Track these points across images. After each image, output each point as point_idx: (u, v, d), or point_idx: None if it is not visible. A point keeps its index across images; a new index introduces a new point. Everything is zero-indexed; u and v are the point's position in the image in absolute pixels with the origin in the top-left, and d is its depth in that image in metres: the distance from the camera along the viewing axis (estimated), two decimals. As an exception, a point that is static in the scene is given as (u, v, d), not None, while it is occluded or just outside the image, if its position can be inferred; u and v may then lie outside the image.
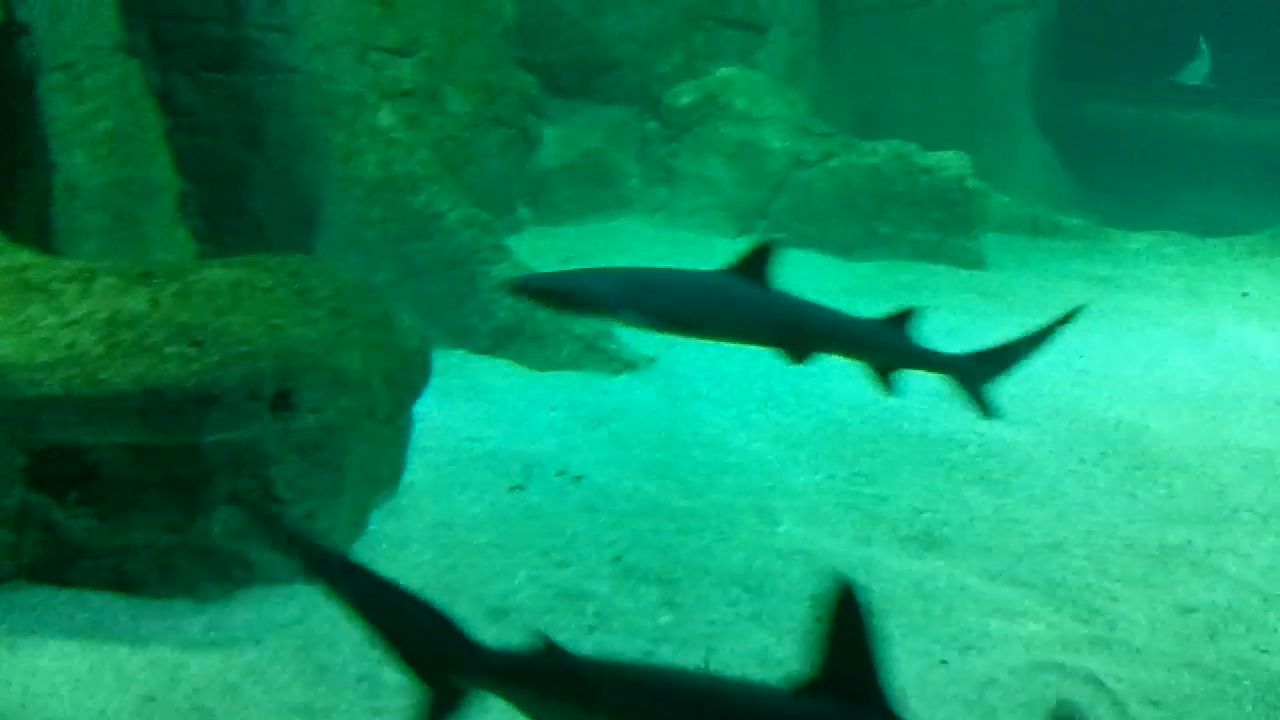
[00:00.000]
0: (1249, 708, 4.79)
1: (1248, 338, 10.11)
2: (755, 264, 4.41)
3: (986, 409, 5.01)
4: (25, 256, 5.71)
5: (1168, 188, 15.90)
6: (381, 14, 8.93)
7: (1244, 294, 11.64)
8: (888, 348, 4.79)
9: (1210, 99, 15.34)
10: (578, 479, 6.41)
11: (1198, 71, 12.44)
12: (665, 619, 5.17)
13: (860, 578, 5.44)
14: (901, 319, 4.67)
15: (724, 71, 12.80)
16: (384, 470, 5.79)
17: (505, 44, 11.07)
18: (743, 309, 4.40)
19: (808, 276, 11.01)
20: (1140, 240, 13.62)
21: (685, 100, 12.55)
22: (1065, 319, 4.93)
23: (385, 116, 8.55)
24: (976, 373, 4.90)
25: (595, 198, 12.10)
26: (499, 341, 8.02)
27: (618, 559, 5.58)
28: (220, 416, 4.82)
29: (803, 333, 4.50)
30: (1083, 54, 17.25)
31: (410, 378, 5.89)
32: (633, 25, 12.88)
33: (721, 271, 4.52)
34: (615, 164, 12.37)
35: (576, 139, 12.35)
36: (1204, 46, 13.11)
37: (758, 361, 8.51)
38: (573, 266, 10.53)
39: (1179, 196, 15.71)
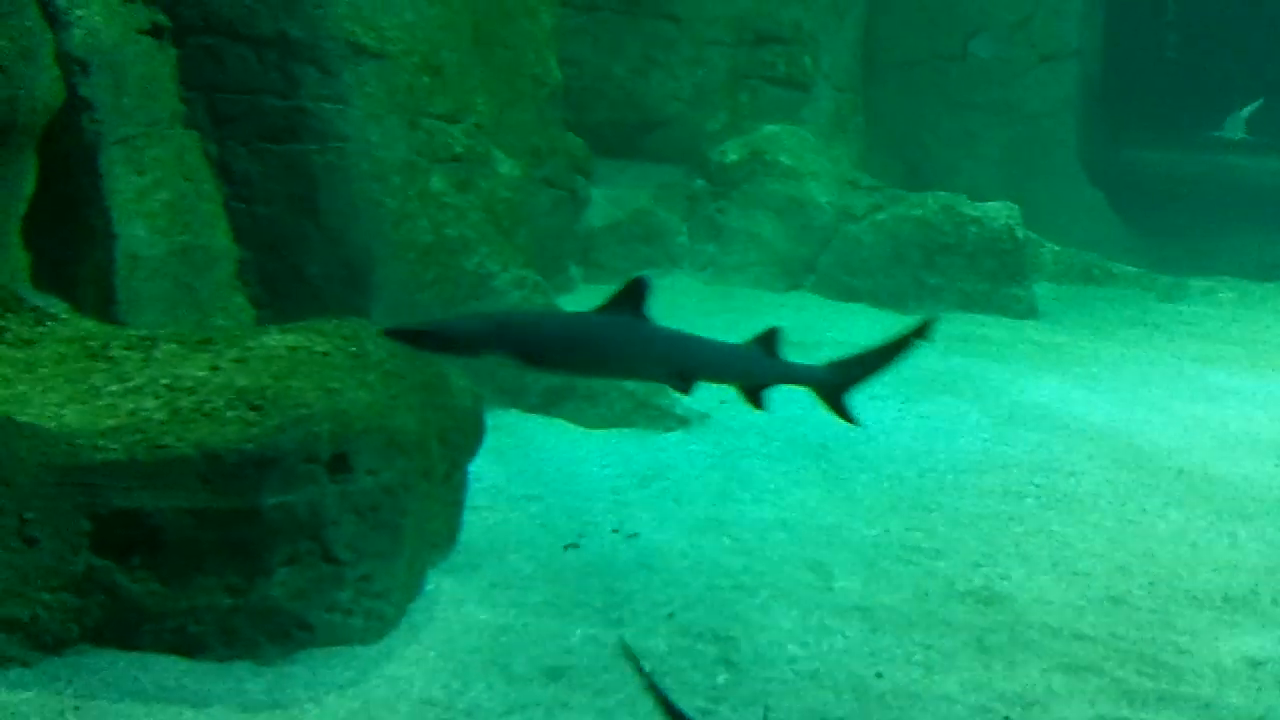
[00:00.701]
0: (1323, 762, 4.68)
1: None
2: (629, 300, 4.44)
3: (849, 418, 5.07)
4: (89, 326, 5.85)
5: (1221, 233, 15.77)
6: (432, 82, 9.08)
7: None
8: (756, 368, 4.86)
9: (1258, 148, 15.18)
10: (632, 536, 6.41)
11: (1238, 125, 12.37)
12: (722, 677, 5.14)
13: (921, 633, 5.45)
14: (767, 338, 4.73)
15: (769, 128, 12.91)
16: (440, 530, 5.83)
17: (553, 107, 11.23)
18: (612, 345, 4.41)
19: (857, 327, 11.02)
20: (1195, 286, 13.48)
21: (731, 158, 12.66)
22: (920, 330, 4.96)
23: (436, 181, 8.69)
24: (836, 384, 4.98)
25: (644, 255, 12.19)
26: (551, 400, 8.06)
27: (672, 616, 5.56)
28: (279, 479, 4.88)
29: (673, 364, 4.53)
30: (1130, 101, 17.24)
31: (464, 438, 5.94)
32: (678, 85, 13.04)
33: (595, 310, 4.55)
34: (663, 222, 12.47)
35: (625, 198, 12.47)
36: (1245, 101, 13.08)
37: (810, 417, 8.53)
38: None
39: (1233, 242, 15.58)
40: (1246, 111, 12.97)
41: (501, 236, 8.90)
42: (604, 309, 4.63)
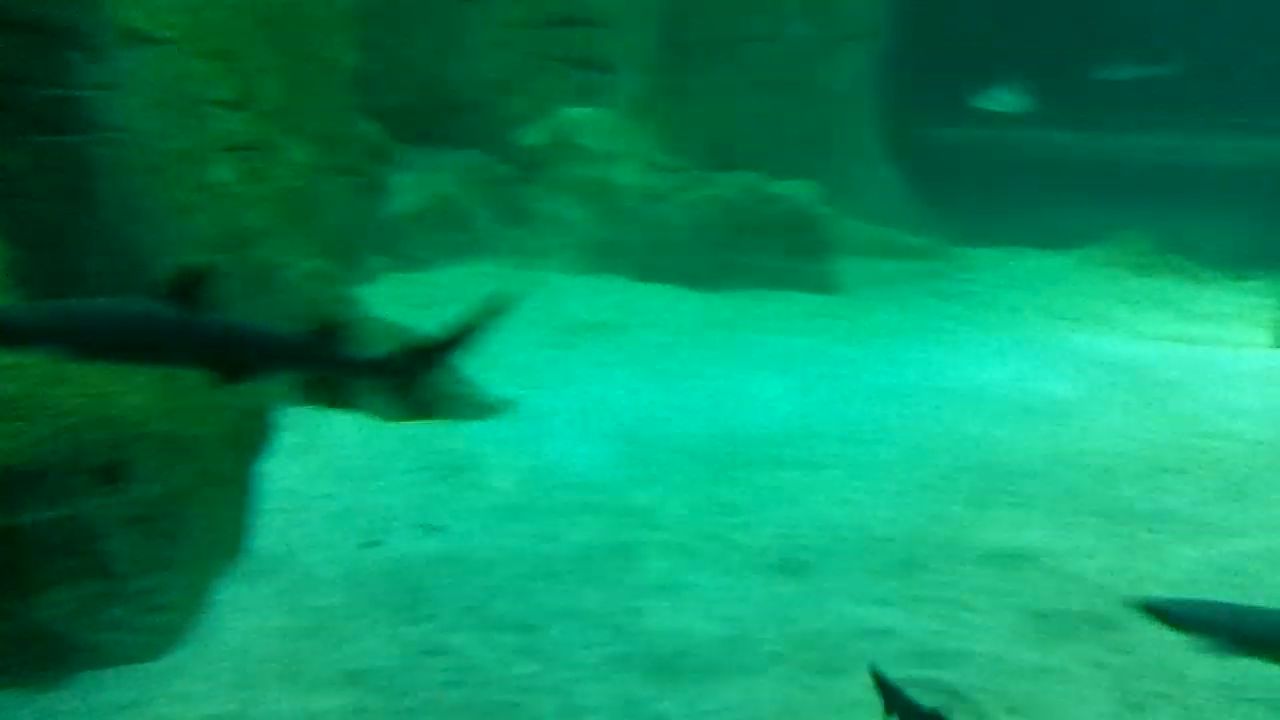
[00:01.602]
0: (1105, 707, 4.88)
1: (1102, 346, 10.45)
2: (186, 288, 4.22)
3: (422, 406, 4.91)
4: None
5: (1011, 205, 16.41)
6: (214, 68, 8.68)
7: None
8: (317, 359, 4.69)
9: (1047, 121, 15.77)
10: (434, 530, 6.27)
11: (1002, 98, 12.86)
12: (527, 668, 5.06)
13: (724, 608, 5.47)
14: (331, 330, 4.49)
15: (573, 111, 12.84)
16: (228, 536, 5.58)
17: (348, 92, 10.90)
18: (161, 333, 4.23)
19: (665, 308, 11.09)
20: (985, 257, 14.02)
21: (535, 141, 12.56)
22: (494, 310, 4.88)
23: (221, 171, 8.32)
24: (404, 371, 4.83)
25: (451, 242, 11.99)
26: (348, 394, 7.82)
27: (477, 609, 5.46)
28: (44, 493, 4.58)
29: (227, 352, 4.32)
30: (923, 78, 17.77)
31: (251, 438, 5.70)
32: (480, 68, 12.85)
33: (145, 297, 4.34)
34: (469, 208, 12.29)
35: (429, 184, 12.23)
36: (1009, 76, 13.55)
37: (617, 399, 8.53)
38: (433, 311, 10.49)
39: (1021, 213, 16.22)
40: (1008, 85, 13.37)
41: (293, 227, 8.59)
42: (157, 295, 4.29)
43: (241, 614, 5.26)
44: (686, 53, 15.26)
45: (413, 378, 4.78)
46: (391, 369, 4.73)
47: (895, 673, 5.02)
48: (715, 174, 12.71)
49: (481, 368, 8.78)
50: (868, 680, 4.95)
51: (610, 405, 8.35)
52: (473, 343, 4.78)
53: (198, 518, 5.14)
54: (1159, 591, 5.37)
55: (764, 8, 15.64)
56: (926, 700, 4.80)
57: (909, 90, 17.33)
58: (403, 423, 7.71)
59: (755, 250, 11.98)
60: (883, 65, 17.02)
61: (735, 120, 15.68)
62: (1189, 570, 6.06)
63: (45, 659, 4.61)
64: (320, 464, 7.00)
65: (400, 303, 10.22)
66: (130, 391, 5.01)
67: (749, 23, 15.68)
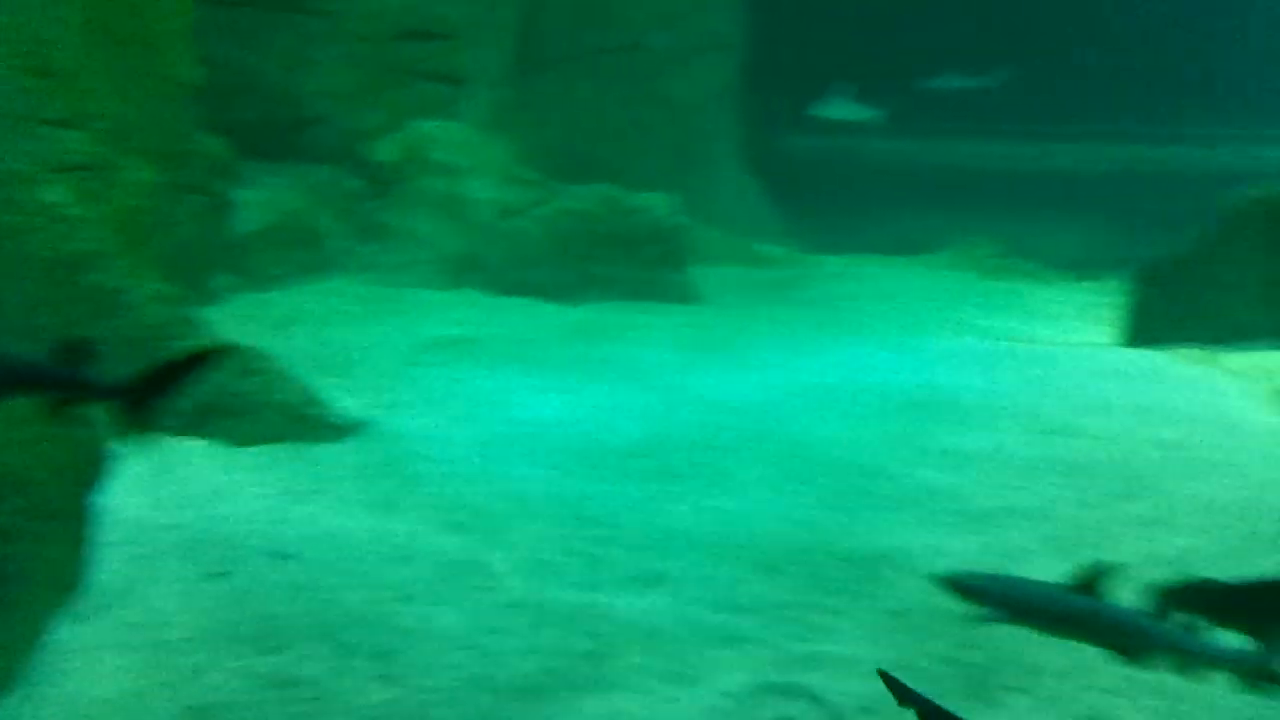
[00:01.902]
0: (958, 702, 4.97)
1: (952, 348, 10.72)
2: None
3: (152, 428, 4.82)
4: None
5: (862, 212, 16.79)
6: (46, 85, 8.34)
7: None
8: (48, 380, 4.56)
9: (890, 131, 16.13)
10: (287, 558, 6.09)
11: (843, 107, 13.15)
12: (384, 694, 4.95)
13: (584, 623, 5.42)
14: (75, 349, 4.32)
15: (426, 125, 12.71)
16: (64, 572, 5.33)
17: (191, 108, 10.58)
18: None
19: (524, 323, 11.02)
20: (837, 264, 14.30)
21: (387, 156, 12.38)
22: (213, 353, 4.72)
23: (55, 192, 7.97)
24: (138, 395, 4.72)
25: (302, 260, 11.73)
26: (196, 420, 7.55)
27: (330, 636, 5.31)
28: None
29: None
30: (779, 89, 18.07)
31: (86, 470, 5.45)
32: (329, 82, 12.63)
33: None
34: (321, 224, 12.05)
35: (278, 201, 11.96)
36: (853, 86, 13.84)
37: (476, 415, 8.44)
38: (285, 331, 10.25)
39: (879, 220, 16.61)
40: (850, 95, 13.61)
41: (134, 249, 8.28)
42: None
43: (78, 654, 5.02)
44: (542, 65, 15.26)
45: (146, 403, 4.52)
46: (126, 393, 4.46)
47: (754, 678, 5.08)
48: (572, 186, 12.72)
49: (335, 387, 8.62)
50: (724, 686, 4.98)
51: (469, 422, 8.24)
52: (210, 370, 4.55)
53: (28, 554, 4.89)
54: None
55: (620, 21, 15.72)
56: (783, 708, 4.85)
57: (764, 101, 17.63)
58: (253, 448, 7.49)
59: (614, 262, 12.01)
60: (739, 77, 17.27)
61: (593, 132, 15.74)
62: (1045, 568, 6.23)
63: None
64: (166, 493, 6.75)
65: (251, 323, 9.96)
66: (-50, 425, 4.74)
67: (605, 35, 15.76)
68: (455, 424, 8.17)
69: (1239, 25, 17.16)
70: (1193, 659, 4.22)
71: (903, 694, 3.68)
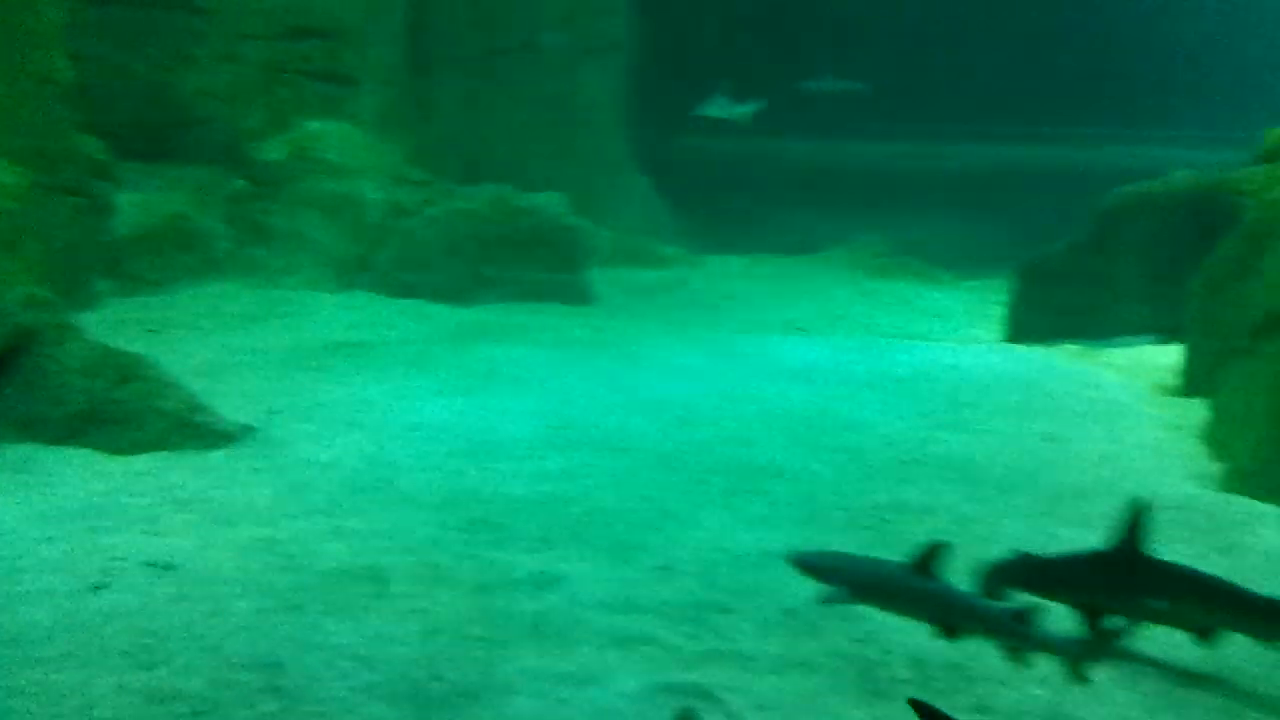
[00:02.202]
0: (851, 696, 5.03)
1: (844, 346, 10.83)
2: None
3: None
4: None
5: (758, 213, 16.94)
6: (-92, 82, 8.03)
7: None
8: None
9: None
10: (169, 568, 5.91)
11: (719, 107, 13.19)
12: (270, 706, 4.82)
13: (476, 627, 5.36)
14: None
15: (313, 125, 12.49)
16: (-71, 590, 5.10)
17: (64, 108, 10.25)
18: None
19: (416, 325, 10.88)
20: (733, 264, 14.40)
21: (273, 156, 12.13)
22: None
23: (-84, 195, 7.67)
24: None
25: (184, 263, 11.45)
26: (75, 429, 7.31)
27: (215, 649, 5.16)
28: None
29: None
30: (672, 90, 18.14)
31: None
32: (209, 81, 12.34)
33: None
34: (203, 226, 11.76)
35: (158, 203, 11.64)
36: (726, 85, 13.92)
37: (366, 419, 8.29)
38: (165, 336, 9.97)
39: (772, 220, 16.77)
40: (734, 95, 13.65)
41: (5, 252, 7.99)
42: None
43: (-53, 675, 4.80)
44: (434, 65, 15.10)
45: None
46: None
47: (650, 680, 5.06)
48: (463, 187, 12.60)
49: (220, 393, 8.41)
50: (625, 689, 4.96)
51: (358, 426, 8.10)
52: None
53: (-111, 572, 4.66)
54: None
55: (513, 21, 15.63)
56: (677, 705, 4.84)
57: (658, 102, 17.69)
58: (134, 456, 7.26)
59: (506, 263, 11.93)
60: (633, 78, 17.29)
61: (486, 133, 15.63)
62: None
63: None
64: (42, 505, 6.51)
65: (131, 328, 9.69)
66: None
67: (498, 36, 15.65)
68: (344, 429, 8.02)
69: (1121, 27, 17.69)
70: (1010, 638, 4.47)
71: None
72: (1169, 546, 6.43)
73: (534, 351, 10.26)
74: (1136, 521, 4.81)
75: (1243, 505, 7.22)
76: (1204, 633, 4.95)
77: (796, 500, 7.12)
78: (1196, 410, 8.86)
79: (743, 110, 11.65)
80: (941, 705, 4.92)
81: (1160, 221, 10.74)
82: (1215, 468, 7.86)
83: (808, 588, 5.74)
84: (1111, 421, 8.90)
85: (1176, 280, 9.90)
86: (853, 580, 4.66)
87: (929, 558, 4.52)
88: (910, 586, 4.56)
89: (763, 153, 17.77)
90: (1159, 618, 5.00)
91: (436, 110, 15.03)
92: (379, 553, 6.21)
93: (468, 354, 9.94)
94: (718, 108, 11.90)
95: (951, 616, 4.54)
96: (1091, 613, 4.86)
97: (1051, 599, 4.87)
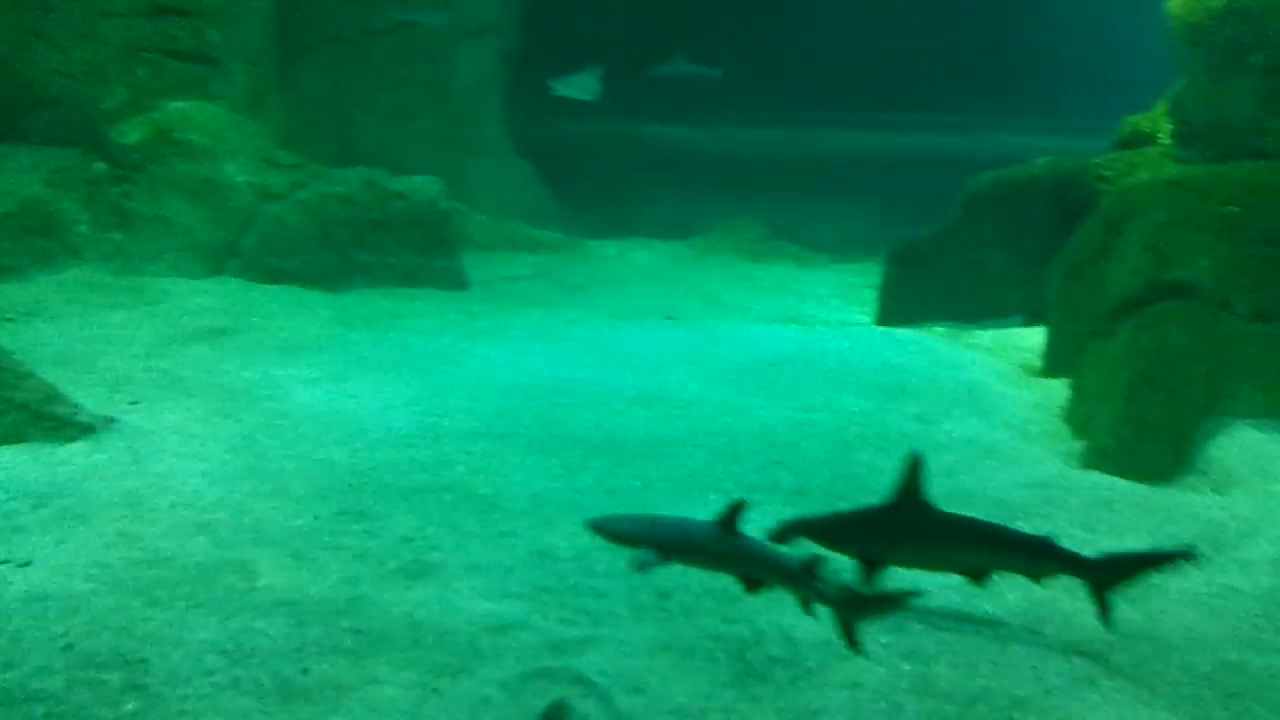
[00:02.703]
0: (724, 677, 5.07)
1: (718, 330, 10.90)
2: None
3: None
4: None
5: (639, 197, 16.97)
6: None
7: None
8: None
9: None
10: (24, 565, 5.69)
11: (581, 85, 13.05)
12: (131, 705, 4.68)
13: (347, 619, 5.27)
14: None
15: (176, 105, 12.08)
16: None
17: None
18: None
19: (286, 311, 10.64)
20: (610, 248, 14.39)
21: (134, 137, 11.71)
22: None
23: None
24: None
25: (42, 249, 11.00)
26: (-80, 421, 6.99)
27: (72, 647, 4.99)
28: None
29: None
30: (549, 73, 18.03)
31: None
32: (65, 59, 11.86)
33: None
34: (60, 211, 11.30)
35: (13, 186, 11.17)
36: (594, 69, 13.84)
37: (232, 409, 8.08)
38: (18, 326, 9.57)
39: (649, 205, 16.82)
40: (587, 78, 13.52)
41: None
42: None
43: None
44: (306, 46, 14.75)
45: None
46: None
47: (524, 667, 5.04)
48: (334, 170, 12.33)
49: (79, 383, 8.12)
50: (498, 677, 4.93)
51: (225, 415, 7.89)
52: None
53: None
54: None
55: (387, 2, 15.34)
56: (552, 691, 4.83)
57: (536, 86, 17.57)
58: (-17, 449, 6.96)
59: (379, 248, 11.72)
60: (510, 61, 17.14)
61: (360, 116, 15.35)
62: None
63: None
64: (-119, 503, 6.20)
65: (-18, 316, 9.28)
66: None
67: (372, 16, 15.36)
68: (210, 418, 7.81)
69: (997, 16, 18.10)
70: (802, 590, 4.67)
71: None
72: (1030, 522, 6.68)
73: (408, 338, 10.11)
74: (914, 473, 5.16)
75: (1102, 481, 7.48)
76: (977, 575, 5.32)
77: (672, 482, 7.15)
78: (1059, 390, 9.14)
79: (595, 88, 11.48)
80: (812, 683, 5.04)
81: (1022, 206, 11.03)
82: (1077, 446, 8.11)
83: (683, 572, 5.83)
84: (978, 402, 9.12)
85: (1040, 263, 10.19)
86: (657, 542, 4.72)
87: (732, 514, 4.67)
88: (714, 543, 4.70)
89: (640, 138, 17.81)
90: (939, 564, 5.39)
91: (307, 92, 14.69)
92: (247, 546, 6.06)
93: (339, 341, 9.76)
94: (573, 87, 11.73)
95: (753, 570, 4.72)
96: (870, 565, 5.25)
97: (838, 551, 5.23)
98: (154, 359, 9.02)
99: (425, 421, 8.09)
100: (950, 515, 5.29)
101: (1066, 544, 6.40)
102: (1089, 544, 6.49)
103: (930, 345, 10.78)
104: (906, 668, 5.19)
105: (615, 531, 4.88)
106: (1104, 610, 5.27)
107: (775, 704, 4.87)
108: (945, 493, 7.03)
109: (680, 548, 4.76)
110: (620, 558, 6.06)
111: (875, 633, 5.26)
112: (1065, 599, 5.75)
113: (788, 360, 9.94)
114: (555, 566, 5.98)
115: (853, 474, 7.38)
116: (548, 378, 9.20)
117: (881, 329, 11.49)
